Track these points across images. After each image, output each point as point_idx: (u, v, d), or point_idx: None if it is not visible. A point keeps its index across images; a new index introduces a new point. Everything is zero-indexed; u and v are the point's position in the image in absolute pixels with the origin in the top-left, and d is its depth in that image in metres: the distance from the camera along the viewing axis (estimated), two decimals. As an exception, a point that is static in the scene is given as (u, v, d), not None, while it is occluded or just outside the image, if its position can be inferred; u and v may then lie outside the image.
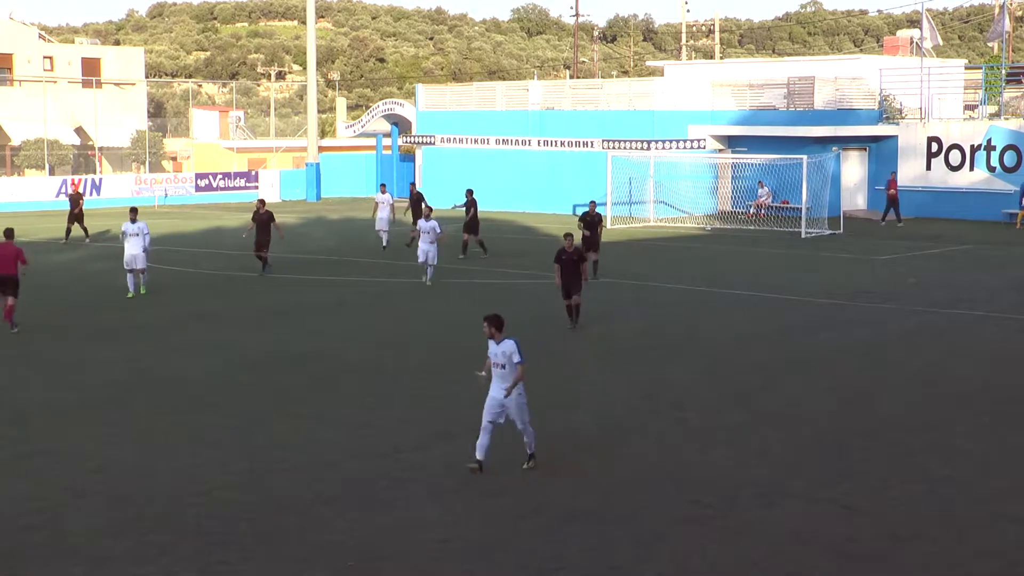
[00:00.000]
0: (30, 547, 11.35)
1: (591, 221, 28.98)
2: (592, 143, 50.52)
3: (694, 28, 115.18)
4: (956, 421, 16.11)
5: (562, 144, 52.00)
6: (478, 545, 11.43)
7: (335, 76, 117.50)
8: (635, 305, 26.04)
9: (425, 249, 28.39)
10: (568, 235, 22.45)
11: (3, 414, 16.52)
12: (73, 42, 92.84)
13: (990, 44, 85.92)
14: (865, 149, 49.41)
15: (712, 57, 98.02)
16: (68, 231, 39.62)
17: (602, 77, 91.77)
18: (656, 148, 48.43)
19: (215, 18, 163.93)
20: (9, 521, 12.04)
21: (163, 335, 22.55)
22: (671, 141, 49.04)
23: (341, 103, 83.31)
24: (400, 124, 61.89)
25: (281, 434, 15.35)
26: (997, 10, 62.89)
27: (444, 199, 44.22)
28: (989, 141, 46.48)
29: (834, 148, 46.76)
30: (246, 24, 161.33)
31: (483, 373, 13.58)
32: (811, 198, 42.49)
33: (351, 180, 65.10)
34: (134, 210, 28.02)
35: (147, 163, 67.86)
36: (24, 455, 14.45)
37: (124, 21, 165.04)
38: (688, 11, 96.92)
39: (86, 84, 72.85)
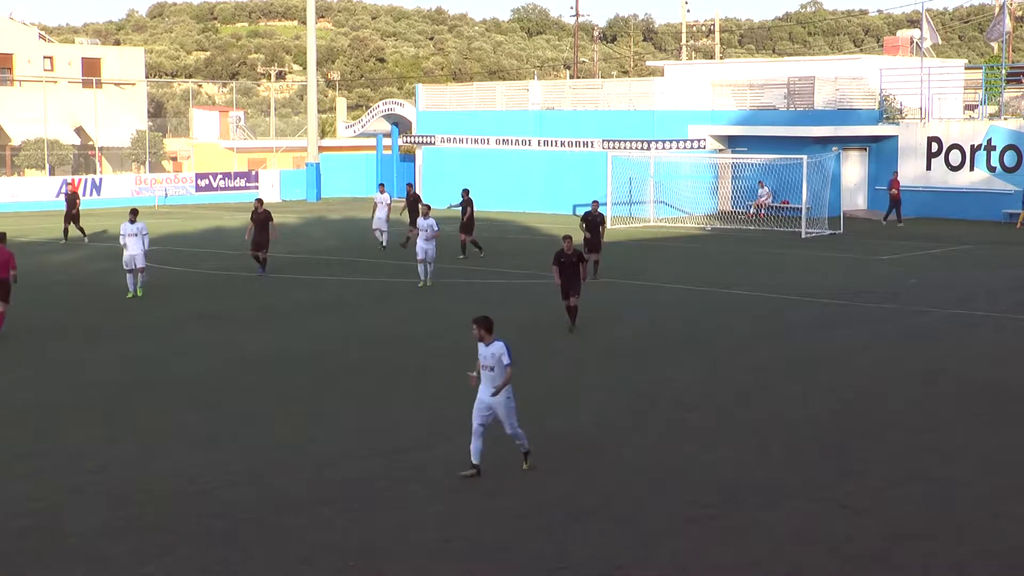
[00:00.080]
0: (30, 547, 11.35)
1: (593, 221, 28.87)
2: (592, 143, 50.52)
3: (694, 28, 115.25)
4: (956, 421, 16.11)
5: (562, 144, 52.01)
6: (478, 545, 11.42)
7: (335, 76, 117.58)
8: (635, 305, 26.03)
9: (424, 247, 28.42)
10: (567, 237, 22.42)
11: (3, 414, 16.52)
12: (73, 42, 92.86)
13: (991, 43, 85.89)
14: (865, 149, 49.43)
15: (712, 57, 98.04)
16: (66, 231, 39.62)
17: (602, 77, 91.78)
18: (656, 148, 48.43)
19: (215, 18, 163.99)
20: (9, 521, 12.04)
21: (163, 335, 22.55)
22: (671, 141, 49.04)
23: (341, 103, 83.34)
24: (400, 124, 61.91)
25: (281, 434, 15.35)
26: (997, 10, 62.88)
27: (444, 199, 44.24)
28: (989, 141, 46.49)
29: (834, 148, 46.76)
30: (246, 24, 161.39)
31: (474, 374, 13.55)
32: (811, 198, 42.49)
33: (351, 180, 65.12)
34: (134, 211, 28.02)
35: (147, 163, 67.89)
36: (24, 455, 14.44)
37: (124, 21, 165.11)
38: (688, 11, 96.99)
39: (86, 84, 72.89)
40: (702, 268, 32.20)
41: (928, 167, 47.88)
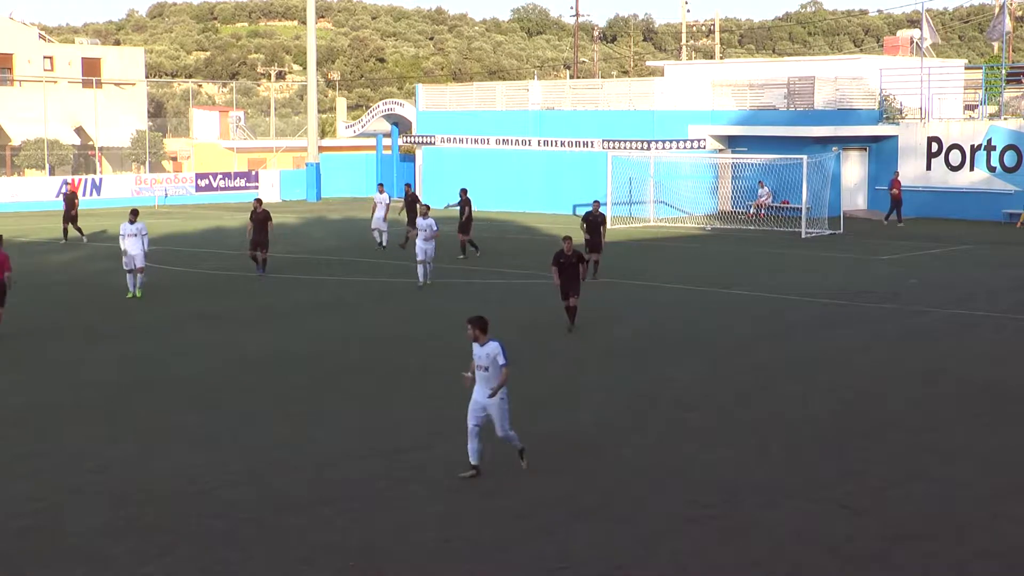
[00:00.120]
0: (30, 547, 11.35)
1: (594, 221, 28.82)
2: (592, 143, 50.52)
3: (694, 28, 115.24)
4: (956, 421, 16.12)
5: (562, 144, 52.01)
6: (478, 545, 11.42)
7: (335, 76, 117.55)
8: (635, 305, 26.03)
9: (423, 247, 28.39)
10: (567, 238, 22.41)
11: (3, 414, 16.52)
12: (73, 42, 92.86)
13: (992, 42, 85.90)
14: (865, 149, 49.43)
15: (712, 57, 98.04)
16: (65, 231, 39.62)
17: (602, 77, 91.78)
18: (656, 148, 48.43)
19: (215, 18, 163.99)
20: (9, 521, 12.04)
21: (163, 335, 22.55)
22: (671, 141, 49.04)
23: (341, 103, 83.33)
24: (400, 124, 61.90)
25: (281, 434, 15.35)
26: (997, 10, 62.88)
27: (444, 199, 44.23)
28: (989, 141, 46.49)
29: (834, 148, 46.76)
30: (246, 24, 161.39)
31: (468, 374, 13.51)
32: (811, 198, 42.49)
33: (351, 180, 65.12)
34: (135, 212, 28.03)
35: (147, 163, 67.89)
36: (24, 455, 14.44)
37: (124, 21, 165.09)
38: (688, 11, 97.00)
39: (86, 84, 72.89)
40: (702, 268, 32.20)
41: (928, 167, 47.88)
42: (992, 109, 50.40)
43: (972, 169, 46.91)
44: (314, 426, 15.77)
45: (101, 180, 58.04)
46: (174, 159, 74.85)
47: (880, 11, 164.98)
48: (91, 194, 55.39)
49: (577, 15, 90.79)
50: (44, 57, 76.72)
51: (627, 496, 12.83)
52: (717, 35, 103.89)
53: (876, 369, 19.41)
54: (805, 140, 47.16)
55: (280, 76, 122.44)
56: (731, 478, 13.43)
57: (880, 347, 21.29)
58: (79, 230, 39.74)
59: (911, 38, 59.84)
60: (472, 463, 13.34)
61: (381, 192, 37.24)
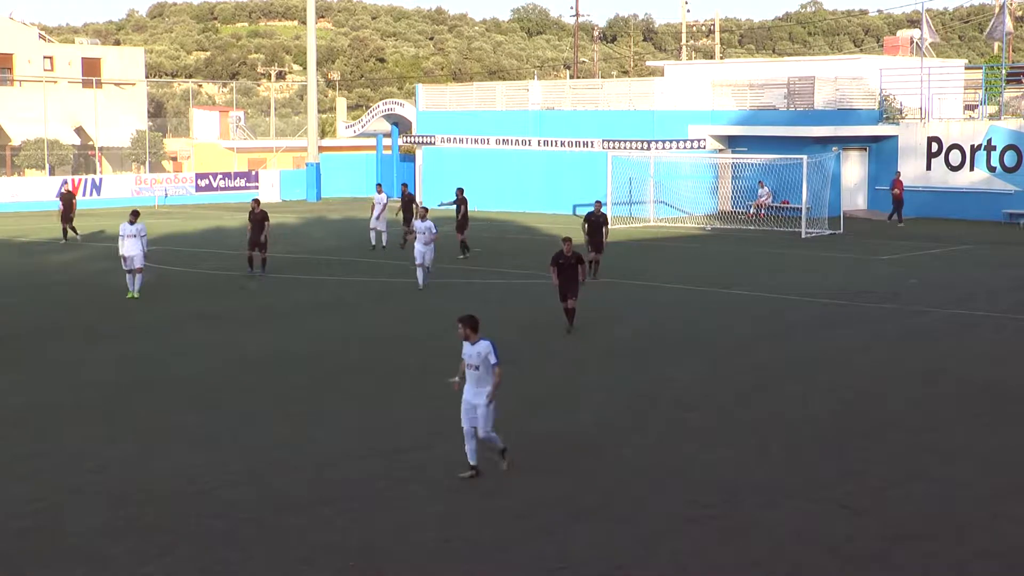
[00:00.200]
0: (30, 547, 11.35)
1: (596, 222, 28.77)
2: (592, 143, 50.52)
3: (694, 28, 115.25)
4: (956, 421, 16.11)
5: (562, 144, 52.01)
6: (478, 545, 11.42)
7: (335, 76, 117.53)
8: (635, 305, 26.03)
9: (421, 250, 28.24)
10: (567, 239, 22.38)
11: (3, 414, 16.52)
12: (73, 42, 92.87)
13: (991, 43, 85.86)
14: (865, 149, 49.44)
15: (712, 57, 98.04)
16: (65, 231, 39.63)
17: (602, 77, 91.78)
18: (656, 148, 48.43)
19: (215, 18, 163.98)
20: (9, 521, 12.04)
21: (163, 335, 22.55)
22: (671, 141, 49.04)
23: (341, 103, 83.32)
24: (400, 124, 61.90)
25: (281, 434, 15.35)
26: (997, 10, 62.88)
27: (438, 198, 44.23)
28: (989, 141, 46.50)
29: (834, 148, 46.77)
30: (246, 24, 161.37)
31: (455, 379, 13.46)
32: (811, 198, 42.49)
33: (351, 180, 65.12)
34: (135, 212, 28.01)
35: (147, 163, 67.89)
36: (24, 455, 14.44)
37: (124, 21, 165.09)
38: (688, 11, 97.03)
39: (86, 84, 72.90)
40: (702, 268, 32.20)
41: (928, 167, 47.88)
42: (992, 109, 50.40)
43: (972, 169, 46.92)
44: (314, 426, 15.77)
45: (101, 180, 58.05)
46: (174, 159, 74.85)
47: (880, 11, 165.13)
48: (91, 194, 55.41)
49: (577, 15, 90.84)
50: (44, 57, 76.72)
51: (627, 496, 12.83)
52: (717, 35, 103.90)
53: (876, 369, 19.41)
54: (805, 140, 47.16)
55: (280, 76, 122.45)
56: (731, 478, 13.43)
57: (880, 347, 21.29)
58: (73, 229, 39.75)
59: (911, 38, 59.84)
60: (471, 463, 13.34)
61: (379, 192, 37.26)
